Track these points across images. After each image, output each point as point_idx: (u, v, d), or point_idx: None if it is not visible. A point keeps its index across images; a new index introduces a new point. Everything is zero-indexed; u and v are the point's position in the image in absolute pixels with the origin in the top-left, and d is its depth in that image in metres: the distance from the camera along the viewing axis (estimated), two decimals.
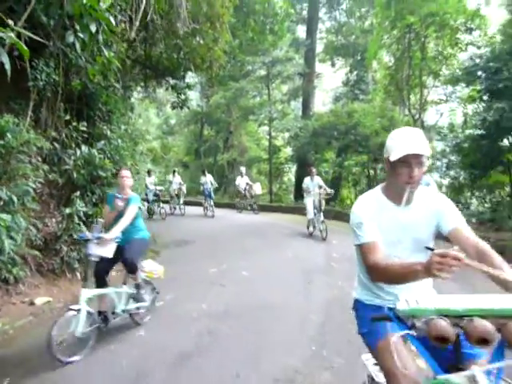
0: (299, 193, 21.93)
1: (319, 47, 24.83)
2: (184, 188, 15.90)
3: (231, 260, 7.72)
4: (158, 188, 14.72)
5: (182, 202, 15.80)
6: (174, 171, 16.78)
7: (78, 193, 6.25)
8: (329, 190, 9.92)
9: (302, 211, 12.51)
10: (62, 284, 6.08)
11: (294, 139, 20.30)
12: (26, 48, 3.68)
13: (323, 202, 10.14)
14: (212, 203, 14.87)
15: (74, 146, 6.57)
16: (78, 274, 6.34)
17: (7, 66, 3.63)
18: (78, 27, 5.08)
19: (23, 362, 3.65)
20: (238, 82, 19.81)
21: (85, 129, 6.72)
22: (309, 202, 9.99)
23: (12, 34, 3.47)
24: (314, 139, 18.71)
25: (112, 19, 4.50)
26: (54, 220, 6.38)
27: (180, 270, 6.97)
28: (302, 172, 22.19)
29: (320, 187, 9.91)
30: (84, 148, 6.58)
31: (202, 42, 8.67)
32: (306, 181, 10.20)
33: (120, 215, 4.22)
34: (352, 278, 2.35)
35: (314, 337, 4.09)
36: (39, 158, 5.56)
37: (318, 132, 18.46)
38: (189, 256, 8.56)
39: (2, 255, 4.68)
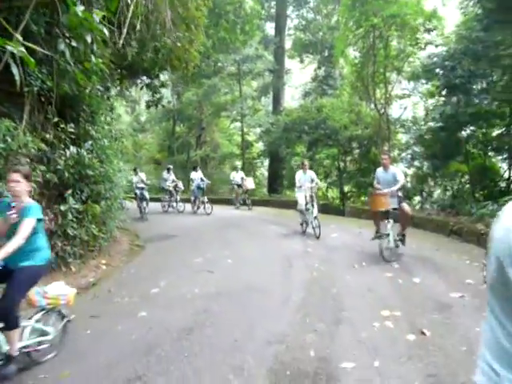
0: (272, 186, 22.67)
1: (288, 44, 25.51)
2: (181, 184, 15.56)
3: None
4: (141, 186, 13.82)
5: (178, 199, 15.50)
6: (169, 168, 16.38)
7: (70, 191, 6.62)
8: (320, 184, 9.76)
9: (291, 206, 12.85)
10: (57, 277, 6.43)
11: (266, 134, 20.92)
12: (32, 60, 4.06)
13: (315, 197, 9.63)
14: (206, 199, 14.35)
15: (63, 146, 6.90)
16: (72, 268, 6.73)
17: (17, 78, 4.02)
18: (68, 35, 5.50)
19: None
20: (210, 79, 20.19)
21: (72, 130, 7.07)
22: (300, 196, 9.52)
23: (22, 48, 3.85)
24: (286, 134, 19.39)
25: (105, 30, 4.90)
26: (46, 217, 6.71)
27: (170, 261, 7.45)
28: (274, 166, 22.91)
29: (312, 181, 9.56)
30: (72, 148, 6.93)
31: (178, 44, 9.05)
32: (298, 175, 9.86)
33: (14, 229, 3.30)
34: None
35: (296, 309, 4.69)
36: (33, 159, 5.88)
37: (289, 127, 19.15)
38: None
39: None
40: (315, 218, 9.16)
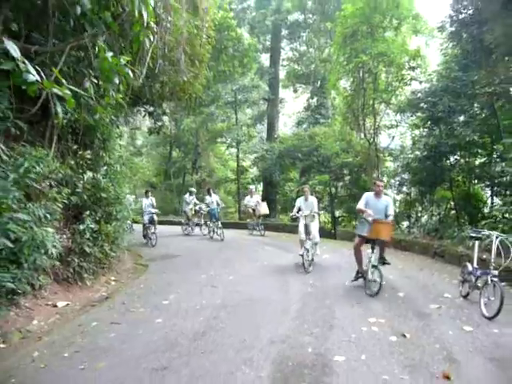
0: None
1: (282, 74, 26.76)
2: (204, 207, 14.93)
3: None
4: (153, 211, 13.12)
5: (202, 222, 15.21)
6: (191, 191, 16.12)
7: (88, 212, 7.28)
8: (316, 211, 8.92)
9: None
10: (75, 290, 7.02)
11: (261, 160, 21.78)
12: (72, 100, 4.80)
13: (314, 225, 8.87)
14: (220, 225, 13.73)
15: (81, 171, 7.59)
16: (87, 282, 7.31)
17: (60, 115, 4.75)
18: (93, 74, 6.31)
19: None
20: (208, 108, 21.14)
21: (89, 156, 7.78)
22: (300, 225, 8.87)
23: (67, 91, 4.59)
24: (280, 160, 20.32)
25: (130, 72, 5.67)
26: (64, 236, 7.33)
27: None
28: (269, 191, 23.67)
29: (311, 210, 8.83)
30: (89, 173, 7.63)
31: (185, 78, 9.89)
32: (299, 202, 9.19)
33: None
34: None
35: (295, 317, 5.34)
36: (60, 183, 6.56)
37: (284, 154, 20.11)
38: None
39: (34, 264, 5.64)
40: (315, 244, 8.80)
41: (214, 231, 14.10)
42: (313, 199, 9.20)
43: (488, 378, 3.59)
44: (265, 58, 25.97)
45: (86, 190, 7.40)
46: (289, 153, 19.75)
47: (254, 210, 15.65)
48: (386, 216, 6.81)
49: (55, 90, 4.65)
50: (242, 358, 3.96)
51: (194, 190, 16.55)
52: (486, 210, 14.38)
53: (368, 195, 7.22)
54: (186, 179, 27.49)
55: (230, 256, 10.49)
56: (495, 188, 12.72)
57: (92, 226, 7.30)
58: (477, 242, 5.95)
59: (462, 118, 12.04)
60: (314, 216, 8.88)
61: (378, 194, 7.08)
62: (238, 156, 23.39)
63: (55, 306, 6.21)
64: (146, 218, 12.90)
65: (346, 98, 15.51)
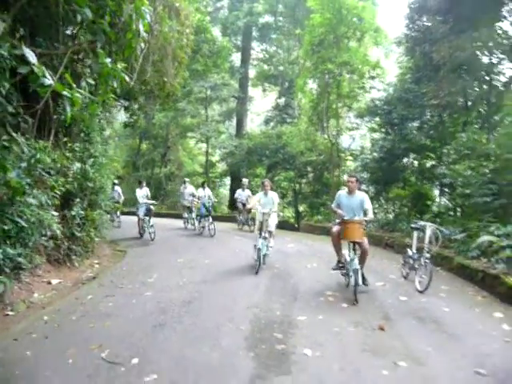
0: (233, 204, 24.26)
1: (252, 73, 27.71)
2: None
3: None
4: (150, 202, 12.46)
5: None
6: (185, 181, 15.48)
7: (78, 199, 7.98)
8: (275, 210, 8.24)
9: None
10: (65, 270, 7.72)
11: (230, 156, 22.66)
12: (79, 101, 5.56)
13: (271, 223, 8.28)
14: (211, 220, 12.97)
15: (70, 162, 8.26)
16: (76, 264, 8.03)
17: (69, 114, 5.50)
18: (89, 75, 7.03)
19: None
20: (180, 103, 21.76)
21: (77, 149, 8.46)
22: (257, 222, 8.46)
23: (78, 94, 5.35)
24: (248, 157, 21.28)
25: (126, 77, 6.46)
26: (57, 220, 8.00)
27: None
28: (235, 185, 24.58)
29: (272, 204, 8.34)
30: (77, 164, 8.31)
31: (165, 78, 10.66)
32: (257, 196, 8.68)
33: None
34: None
35: (265, 291, 6.35)
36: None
37: (251, 150, 21.08)
38: None
39: (34, 244, 6.35)
40: (269, 233, 8.21)
41: (203, 227, 13.35)
42: (273, 194, 8.55)
43: (412, 329, 4.74)
44: (236, 57, 26.82)
45: (76, 179, 8.09)
46: (256, 150, 20.75)
47: (244, 205, 14.35)
48: (365, 213, 6.44)
49: (65, 93, 5.43)
50: (225, 317, 4.94)
51: (187, 179, 15.85)
52: (434, 207, 16.04)
53: (340, 194, 6.83)
54: (155, 171, 27.94)
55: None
56: (442, 188, 14.26)
57: (81, 212, 8.01)
58: (415, 232, 7.16)
59: (415, 124, 13.47)
60: (271, 213, 8.15)
61: (350, 192, 6.60)
62: (207, 151, 24.17)
63: (49, 283, 6.92)
64: (142, 211, 12.07)
65: (312, 100, 16.66)
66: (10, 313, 5.40)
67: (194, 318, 4.99)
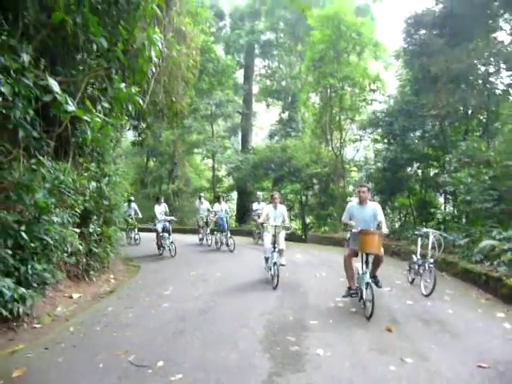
0: (242, 218, 24.62)
1: (255, 88, 28.34)
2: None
3: None
4: (169, 218, 12.44)
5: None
6: (201, 196, 15.43)
7: (94, 217, 8.37)
8: (287, 224, 8.46)
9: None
10: (83, 285, 8.06)
11: (236, 170, 23.09)
12: (98, 125, 5.97)
13: (281, 235, 8.14)
14: (229, 235, 12.73)
15: (87, 181, 8.66)
16: (94, 279, 8.37)
17: (89, 137, 5.90)
18: (104, 99, 7.46)
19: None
20: (186, 120, 22.31)
21: (93, 168, 8.87)
22: (266, 236, 8.12)
23: (98, 119, 5.76)
24: (254, 171, 21.70)
25: (140, 100, 6.88)
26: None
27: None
28: (243, 199, 24.99)
29: (283, 220, 8.28)
30: (93, 183, 8.71)
31: (173, 99, 11.12)
32: (267, 209, 8.42)
33: None
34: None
35: (277, 298, 6.65)
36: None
37: (257, 164, 21.50)
38: None
39: (56, 260, 6.71)
40: (280, 251, 8.01)
41: (222, 242, 13.08)
42: (282, 208, 8.41)
43: (417, 330, 5.02)
44: (239, 74, 27.47)
45: (92, 197, 8.48)
46: (262, 163, 21.17)
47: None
48: (379, 225, 6.16)
49: (86, 117, 5.84)
50: (240, 324, 5.24)
51: (202, 194, 15.77)
52: (439, 215, 16.28)
53: (351, 206, 6.48)
54: (163, 188, 28.41)
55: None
56: (446, 195, 14.52)
57: (98, 229, 8.39)
58: (419, 239, 7.46)
59: (417, 134, 13.82)
60: (282, 228, 8.13)
61: (362, 202, 6.26)
62: (213, 166, 24.64)
63: (71, 297, 7.26)
64: (160, 227, 11.98)
65: (315, 114, 17.10)
66: (37, 325, 5.73)
67: (211, 325, 5.30)
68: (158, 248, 12.32)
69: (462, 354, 4.18)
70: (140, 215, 15.39)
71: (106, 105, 7.48)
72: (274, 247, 7.68)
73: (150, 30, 6.82)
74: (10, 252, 5.18)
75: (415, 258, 7.38)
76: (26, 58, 5.55)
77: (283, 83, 25.66)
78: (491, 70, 11.52)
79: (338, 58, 15.85)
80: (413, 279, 7.49)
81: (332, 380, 3.66)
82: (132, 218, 13.62)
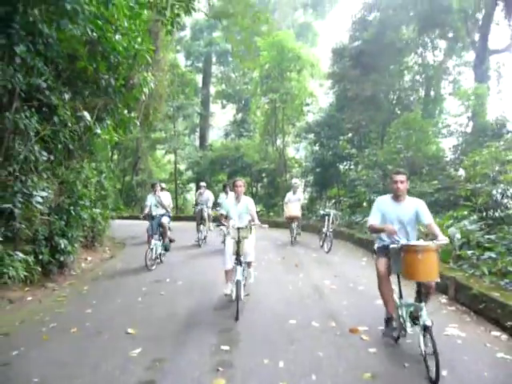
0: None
1: (212, 90, 31.51)
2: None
3: None
4: (161, 212, 9.70)
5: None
6: (200, 186, 12.97)
7: (99, 203, 11.42)
8: (257, 222, 5.97)
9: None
10: (91, 252, 11.11)
11: (195, 165, 26.32)
12: (115, 140, 9.11)
13: (248, 241, 5.78)
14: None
15: (94, 177, 11.64)
16: (97, 248, 11.46)
17: (108, 150, 9.02)
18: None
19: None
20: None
21: (94, 167, 11.89)
22: (228, 242, 5.86)
23: (115, 138, 8.92)
24: (211, 166, 25.06)
25: (137, 122, 10.04)
26: None
27: None
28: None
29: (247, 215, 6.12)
30: (97, 178, 11.73)
31: (150, 111, 14.25)
32: (225, 202, 6.78)
33: None
34: None
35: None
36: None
37: (214, 160, 24.87)
38: None
39: (76, 234, 9.78)
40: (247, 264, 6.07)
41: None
42: (248, 201, 6.23)
43: (311, 265, 8.70)
44: (199, 77, 30.50)
45: (96, 189, 11.51)
46: (218, 160, 24.57)
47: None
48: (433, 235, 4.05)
49: (106, 136, 9.00)
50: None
51: (203, 184, 13.05)
52: (364, 204, 20.41)
53: (381, 201, 4.47)
54: (126, 179, 31.02)
55: None
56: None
57: (101, 211, 11.47)
58: (326, 217, 11.16)
59: (340, 141, 17.75)
60: (251, 228, 5.78)
61: (398, 196, 4.31)
62: (175, 161, 27.69)
63: (86, 259, 10.36)
64: (149, 224, 9.42)
65: (263, 121, 20.69)
66: (74, 273, 8.84)
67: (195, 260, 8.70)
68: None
69: (329, 273, 7.87)
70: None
71: (109, 122, 10.58)
72: (238, 259, 5.56)
73: (145, 74, 9.97)
74: (63, 223, 8.28)
75: (324, 230, 11.07)
76: (66, 96, 8.59)
77: (237, 88, 29.02)
78: (392, 95, 15.57)
79: (281, 74, 19.43)
80: (322, 243, 11.20)
81: (262, 283, 7.20)
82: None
